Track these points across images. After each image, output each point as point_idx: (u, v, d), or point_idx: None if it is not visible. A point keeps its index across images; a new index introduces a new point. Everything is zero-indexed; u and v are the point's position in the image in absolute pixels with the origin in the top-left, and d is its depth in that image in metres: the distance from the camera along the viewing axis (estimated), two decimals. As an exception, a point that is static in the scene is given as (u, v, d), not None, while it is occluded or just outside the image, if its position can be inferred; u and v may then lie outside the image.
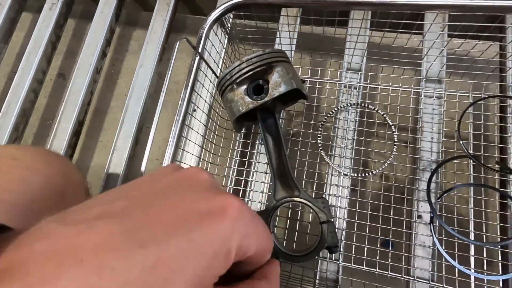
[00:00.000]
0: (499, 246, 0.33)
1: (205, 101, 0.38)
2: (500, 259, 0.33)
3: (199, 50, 0.32)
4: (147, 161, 0.28)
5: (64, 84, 0.69)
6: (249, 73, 0.32)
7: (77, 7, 0.64)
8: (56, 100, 0.68)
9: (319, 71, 0.43)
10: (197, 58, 0.32)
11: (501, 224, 0.34)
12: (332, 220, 0.34)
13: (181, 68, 0.70)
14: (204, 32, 0.33)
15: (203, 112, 0.39)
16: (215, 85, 0.35)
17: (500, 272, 0.33)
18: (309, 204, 0.35)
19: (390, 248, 0.37)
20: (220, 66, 0.43)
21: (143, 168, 0.27)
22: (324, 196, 0.38)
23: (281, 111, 0.42)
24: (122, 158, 0.45)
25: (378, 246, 0.35)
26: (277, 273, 0.15)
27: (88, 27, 0.55)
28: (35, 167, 0.26)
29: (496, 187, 0.35)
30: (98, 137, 0.66)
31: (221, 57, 0.43)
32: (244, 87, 0.33)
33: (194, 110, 0.40)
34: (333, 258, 0.36)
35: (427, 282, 0.34)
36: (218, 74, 0.39)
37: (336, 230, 0.36)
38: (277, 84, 0.33)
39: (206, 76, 0.35)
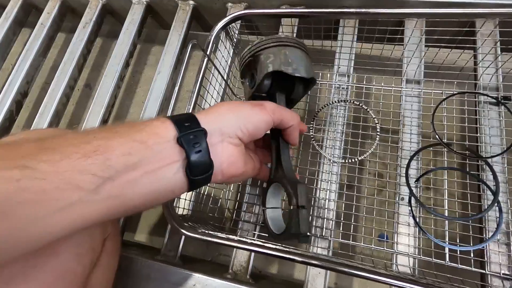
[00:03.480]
0: (470, 221, 0.37)
1: (213, 98, 0.45)
2: (471, 233, 0.37)
3: (208, 53, 0.39)
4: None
5: (90, 93, 0.78)
6: (242, 67, 0.37)
7: (104, 27, 0.73)
8: (82, 107, 0.77)
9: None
10: (205, 59, 0.39)
11: (471, 202, 0.38)
12: (301, 206, 0.31)
13: (194, 79, 0.78)
14: (212, 37, 0.40)
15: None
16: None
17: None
18: (283, 185, 0.33)
19: (385, 239, 0.41)
20: (227, 72, 0.50)
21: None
22: (305, 182, 0.38)
23: (293, 103, 0.43)
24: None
25: (374, 237, 0.39)
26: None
27: (112, 45, 0.64)
28: None
29: (468, 171, 0.40)
30: (118, 140, 0.73)
31: (227, 64, 0.50)
32: (247, 78, 0.39)
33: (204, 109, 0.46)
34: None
35: (406, 254, 0.37)
36: (224, 76, 0.45)
37: (325, 215, 0.41)
38: (260, 71, 0.36)
39: (213, 75, 0.42)
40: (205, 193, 0.46)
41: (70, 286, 0.28)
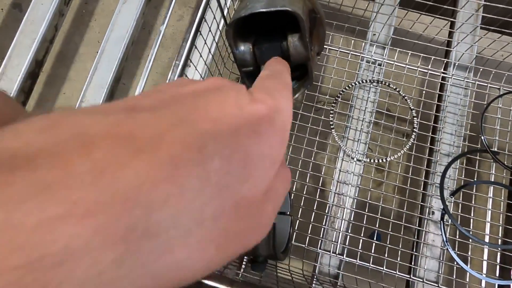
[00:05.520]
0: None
1: (210, 53, 0.31)
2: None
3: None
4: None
5: (20, 16, 0.56)
6: None
7: None
8: (8, 34, 0.56)
9: (341, 39, 0.37)
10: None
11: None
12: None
13: (170, 21, 0.61)
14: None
15: (205, 64, 0.32)
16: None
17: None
18: None
19: (375, 239, 0.34)
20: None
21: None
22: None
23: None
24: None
25: (365, 236, 0.31)
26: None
27: None
28: None
29: (516, 189, 0.33)
30: (61, 88, 0.55)
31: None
32: None
33: (189, 66, 0.32)
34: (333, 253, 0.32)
35: (436, 285, 0.31)
36: (227, 19, 0.31)
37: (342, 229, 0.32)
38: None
39: (214, 18, 0.28)
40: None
41: None
